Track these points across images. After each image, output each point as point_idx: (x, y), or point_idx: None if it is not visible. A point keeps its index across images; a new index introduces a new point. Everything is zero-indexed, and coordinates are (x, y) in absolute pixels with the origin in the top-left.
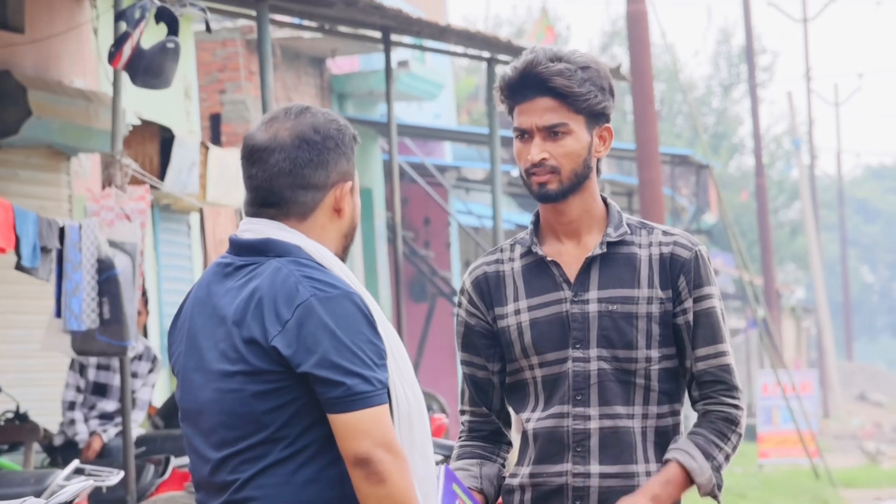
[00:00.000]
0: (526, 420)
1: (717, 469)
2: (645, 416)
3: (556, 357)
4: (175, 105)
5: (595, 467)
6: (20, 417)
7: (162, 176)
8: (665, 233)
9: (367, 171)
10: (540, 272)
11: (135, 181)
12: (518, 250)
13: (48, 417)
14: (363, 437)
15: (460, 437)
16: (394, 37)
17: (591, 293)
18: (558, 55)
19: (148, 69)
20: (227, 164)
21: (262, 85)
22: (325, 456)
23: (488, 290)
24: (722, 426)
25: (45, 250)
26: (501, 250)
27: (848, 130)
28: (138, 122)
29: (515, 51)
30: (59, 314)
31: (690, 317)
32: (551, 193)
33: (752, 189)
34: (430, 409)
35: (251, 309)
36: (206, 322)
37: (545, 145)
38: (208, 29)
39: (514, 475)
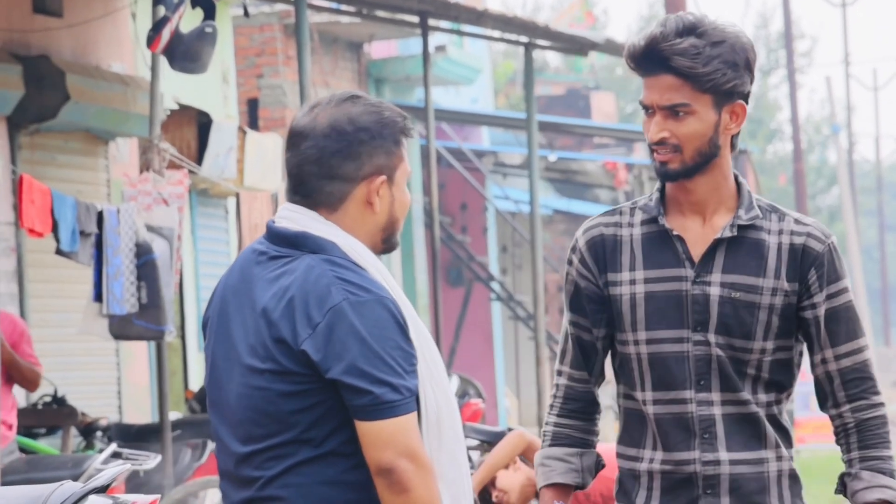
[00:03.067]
0: (642, 401)
1: None
2: (758, 404)
3: (667, 336)
4: (213, 90)
5: (724, 454)
6: (58, 401)
7: (199, 160)
8: (798, 221)
9: None
10: (662, 244)
11: (172, 166)
12: (639, 216)
13: (85, 401)
14: (388, 446)
15: (553, 407)
16: (431, 21)
17: (714, 276)
18: (690, 28)
19: (186, 54)
20: (265, 149)
21: (300, 70)
22: (351, 458)
23: (604, 253)
24: (883, 433)
25: (83, 234)
26: (621, 213)
27: (887, 115)
28: (176, 107)
29: (553, 36)
30: (97, 298)
31: (821, 312)
32: (671, 173)
33: (791, 174)
34: (466, 394)
35: (282, 307)
36: (238, 310)
37: (666, 124)
38: (246, 14)
39: (636, 458)
